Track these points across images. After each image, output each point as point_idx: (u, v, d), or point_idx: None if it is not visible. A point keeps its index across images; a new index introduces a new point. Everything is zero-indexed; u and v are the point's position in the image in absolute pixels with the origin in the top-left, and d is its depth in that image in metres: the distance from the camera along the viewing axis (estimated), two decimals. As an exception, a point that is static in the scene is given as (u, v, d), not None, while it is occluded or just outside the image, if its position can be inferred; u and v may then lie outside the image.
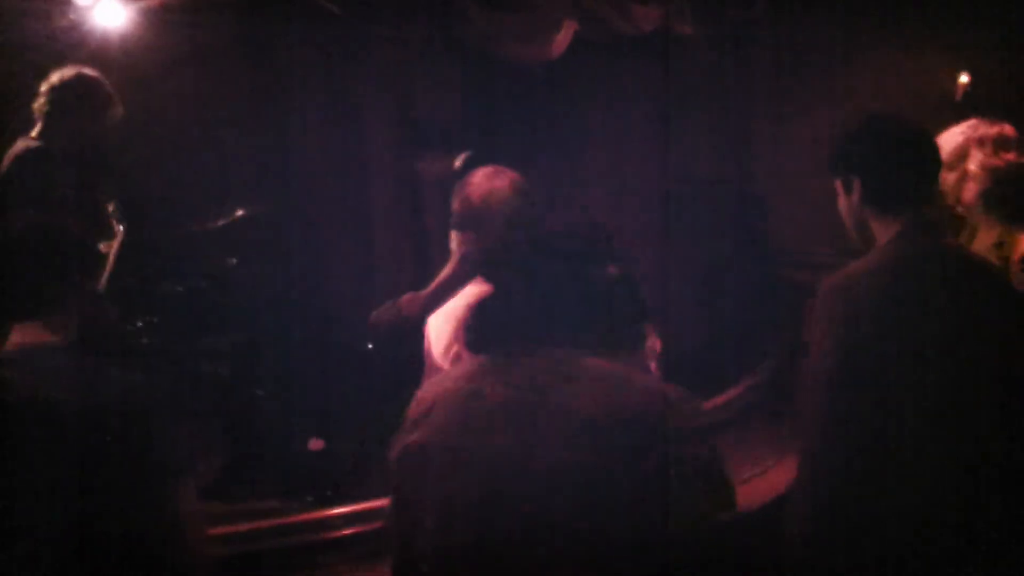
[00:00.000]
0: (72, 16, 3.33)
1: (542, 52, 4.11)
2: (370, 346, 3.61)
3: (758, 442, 3.26)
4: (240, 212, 3.67)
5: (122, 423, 1.71)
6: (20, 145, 3.20)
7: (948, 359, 1.96)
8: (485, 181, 2.33)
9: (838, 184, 2.14)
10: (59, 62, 3.31)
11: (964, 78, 4.31)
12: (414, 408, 1.57)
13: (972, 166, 2.89)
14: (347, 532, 2.87)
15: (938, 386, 1.96)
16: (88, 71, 3.28)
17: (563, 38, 4.03)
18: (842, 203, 2.14)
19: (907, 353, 1.95)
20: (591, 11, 4.10)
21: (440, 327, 2.30)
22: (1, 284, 1.75)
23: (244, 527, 2.82)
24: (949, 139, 3.00)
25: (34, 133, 3.23)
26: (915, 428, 1.96)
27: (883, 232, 2.06)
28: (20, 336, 1.73)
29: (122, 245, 3.12)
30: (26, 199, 3.11)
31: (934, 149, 2.16)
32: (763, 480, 3.10)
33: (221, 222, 3.67)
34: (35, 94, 3.24)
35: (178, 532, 1.80)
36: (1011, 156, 2.83)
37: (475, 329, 1.62)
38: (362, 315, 3.96)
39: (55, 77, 3.24)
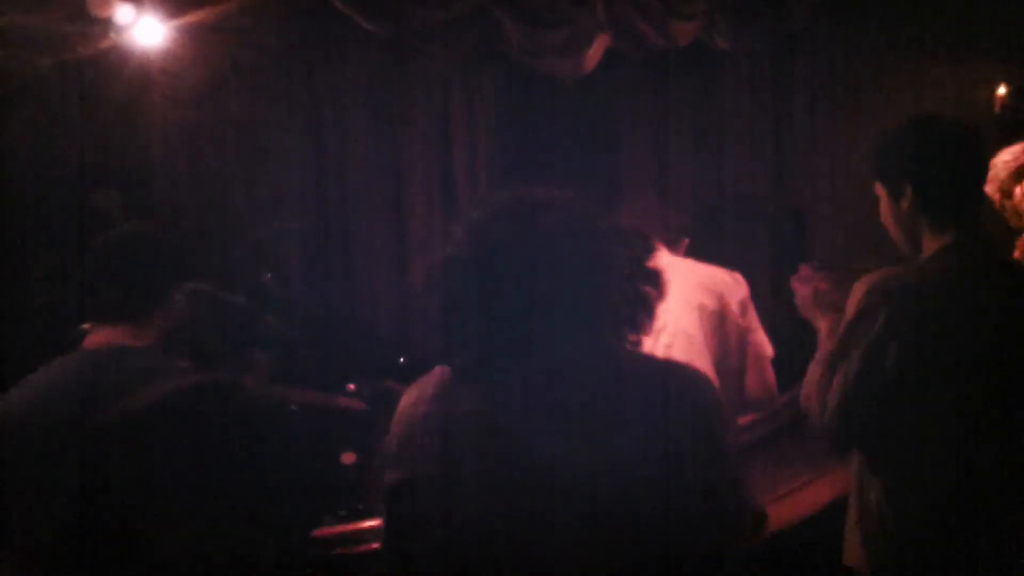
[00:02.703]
0: (113, 36, 3.38)
1: (576, 66, 4.11)
2: (402, 360, 3.64)
3: (794, 456, 3.22)
4: (275, 226, 3.71)
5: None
6: None
7: (1002, 374, 1.92)
8: None
9: (880, 189, 2.08)
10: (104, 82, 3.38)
11: (1002, 90, 4.24)
12: (392, 441, 1.47)
13: None
14: (378, 546, 2.87)
15: (990, 401, 1.91)
16: None
17: (595, 52, 4.03)
18: (887, 210, 2.07)
19: (960, 366, 1.90)
20: (627, 25, 4.10)
21: None
22: (96, 286, 1.86)
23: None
24: (1004, 165, 2.93)
25: None
26: (965, 444, 1.92)
27: (933, 241, 2.00)
28: (100, 337, 1.83)
29: None
30: None
31: (985, 155, 2.10)
32: (800, 496, 3.06)
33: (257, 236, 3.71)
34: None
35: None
36: None
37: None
38: (396, 330, 3.98)
39: None
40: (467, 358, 1.43)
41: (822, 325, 2.16)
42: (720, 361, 2.75)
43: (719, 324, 2.75)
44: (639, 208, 3.09)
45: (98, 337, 1.84)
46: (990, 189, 2.98)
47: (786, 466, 3.14)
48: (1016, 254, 3.06)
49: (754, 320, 2.83)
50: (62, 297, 3.05)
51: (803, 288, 2.22)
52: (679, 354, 2.59)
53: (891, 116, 3.95)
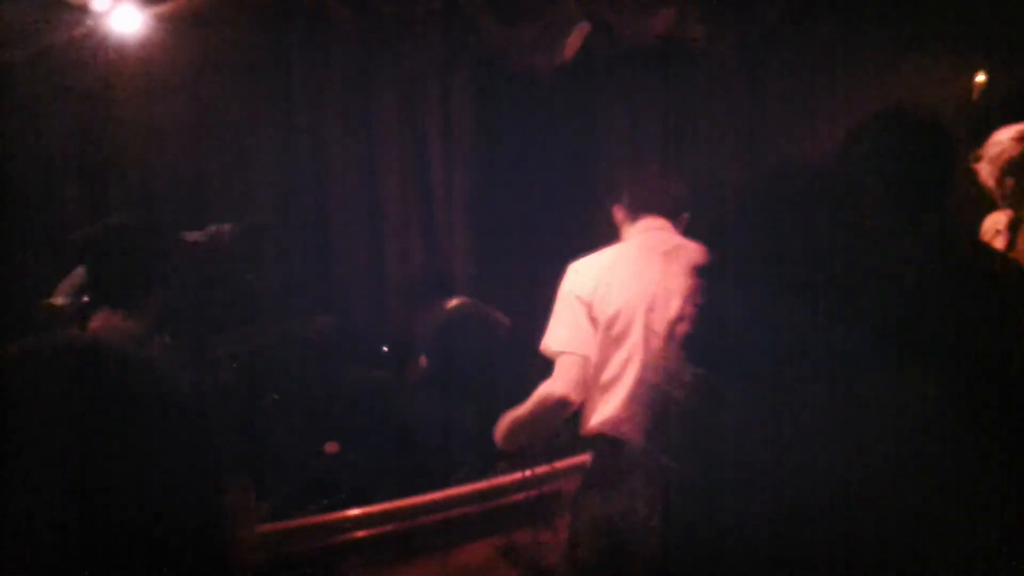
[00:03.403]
0: (89, 23, 3.35)
1: (549, 61, 4.11)
2: (385, 348, 3.63)
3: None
4: (244, 219, 3.67)
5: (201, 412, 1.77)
6: None
7: (961, 370, 1.92)
8: None
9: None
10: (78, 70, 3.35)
11: (980, 77, 4.26)
12: None
13: None
14: (361, 535, 2.87)
15: (951, 396, 1.92)
16: None
17: (573, 41, 4.03)
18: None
19: (932, 368, 1.90)
20: (601, 17, 4.09)
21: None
22: (96, 274, 1.92)
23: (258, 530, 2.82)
24: (1008, 144, 2.88)
25: None
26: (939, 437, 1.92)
27: (898, 236, 2.00)
28: (99, 321, 1.88)
29: None
30: None
31: (954, 147, 2.09)
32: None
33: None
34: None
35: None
36: None
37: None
38: (374, 319, 3.97)
39: None
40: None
41: None
42: None
43: None
44: (639, 180, 2.99)
45: (98, 320, 1.87)
46: (990, 165, 2.90)
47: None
48: (989, 237, 3.03)
49: None
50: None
51: None
52: None
53: (866, 106, 3.97)
